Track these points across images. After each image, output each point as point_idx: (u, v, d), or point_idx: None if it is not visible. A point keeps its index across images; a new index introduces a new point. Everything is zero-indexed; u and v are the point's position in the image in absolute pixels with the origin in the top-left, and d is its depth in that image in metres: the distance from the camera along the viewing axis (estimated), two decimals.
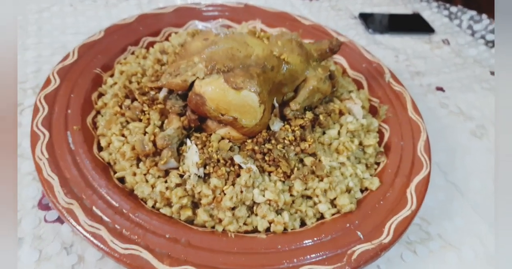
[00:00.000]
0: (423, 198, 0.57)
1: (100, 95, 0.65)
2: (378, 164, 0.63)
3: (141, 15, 0.78)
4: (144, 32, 0.76)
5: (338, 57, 0.82)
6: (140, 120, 0.56)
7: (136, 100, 0.59)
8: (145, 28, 0.77)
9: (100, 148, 0.57)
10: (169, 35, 0.79)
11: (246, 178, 0.50)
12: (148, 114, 0.56)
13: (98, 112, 0.62)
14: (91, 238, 0.45)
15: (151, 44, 0.76)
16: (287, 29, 0.85)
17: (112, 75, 0.68)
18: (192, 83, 0.53)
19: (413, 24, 1.13)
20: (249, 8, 0.87)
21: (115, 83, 0.65)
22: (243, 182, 0.50)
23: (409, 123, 0.68)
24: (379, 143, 0.66)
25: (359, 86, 0.76)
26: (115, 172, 0.55)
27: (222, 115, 0.52)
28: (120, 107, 0.59)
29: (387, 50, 1.02)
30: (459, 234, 0.63)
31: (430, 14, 1.20)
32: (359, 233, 0.51)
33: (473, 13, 1.22)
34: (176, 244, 0.46)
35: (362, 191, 0.58)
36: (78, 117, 0.58)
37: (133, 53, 0.73)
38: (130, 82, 0.65)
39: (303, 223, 0.54)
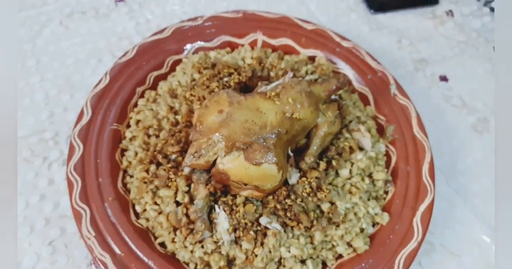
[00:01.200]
0: (427, 227, 0.64)
1: (122, 150, 0.68)
2: (386, 192, 0.69)
3: (140, 46, 0.77)
4: (148, 68, 0.76)
5: (344, 67, 0.81)
6: (168, 187, 0.61)
7: (160, 163, 0.63)
8: (148, 62, 0.76)
9: (135, 213, 0.63)
10: (173, 64, 0.78)
11: (274, 242, 0.57)
12: (175, 181, 0.61)
13: (125, 171, 0.66)
14: None
15: (157, 78, 0.76)
16: (289, 39, 0.83)
17: (128, 126, 0.71)
18: (214, 160, 0.56)
19: None
20: (247, 17, 0.84)
21: (134, 137, 0.68)
22: (271, 246, 0.57)
23: (414, 144, 0.72)
24: (386, 166, 0.71)
25: (365, 102, 0.78)
26: (154, 236, 0.61)
27: (245, 184, 0.57)
28: (147, 172, 0.63)
29: (390, 35, 1.00)
30: (460, 242, 0.71)
31: None
32: None
33: None
34: None
35: (373, 224, 0.66)
36: (110, 185, 0.63)
37: (142, 95, 0.74)
38: (149, 136, 0.68)
39: (324, 262, 0.62)
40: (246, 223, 0.58)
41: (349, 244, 0.63)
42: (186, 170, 0.60)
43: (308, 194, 0.61)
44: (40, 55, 0.85)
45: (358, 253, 0.62)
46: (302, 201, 0.61)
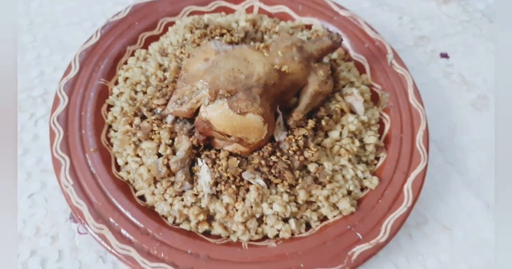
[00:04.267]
0: (418, 193, 0.62)
1: (109, 106, 0.67)
2: (378, 158, 0.67)
3: (134, 7, 0.76)
4: (140, 28, 0.75)
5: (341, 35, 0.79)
6: (151, 139, 0.60)
7: (145, 117, 0.61)
8: (141, 22, 0.75)
9: (117, 166, 0.61)
10: (166, 26, 0.77)
11: (255, 196, 0.55)
12: (158, 133, 0.59)
13: (110, 126, 0.65)
14: (124, 260, 0.52)
15: (149, 39, 0.75)
16: (286, 6, 0.82)
17: (116, 83, 0.69)
18: (198, 109, 0.55)
19: None
20: None
21: (121, 93, 0.67)
22: (252, 200, 0.55)
23: (409, 111, 0.70)
24: (379, 133, 0.69)
25: (361, 70, 0.76)
26: (134, 189, 0.60)
27: (229, 136, 0.55)
28: (131, 125, 0.61)
29: (391, 12, 0.98)
30: (453, 215, 0.69)
31: None
32: (358, 234, 0.57)
33: None
34: (197, 258, 0.53)
35: (362, 189, 0.63)
36: (92, 137, 0.61)
37: (133, 54, 0.73)
38: (136, 91, 0.66)
39: (308, 224, 0.60)
40: (228, 177, 0.56)
41: (335, 206, 0.60)
42: (169, 120, 0.58)
43: (295, 152, 0.59)
44: (34, 16, 0.84)
45: (344, 215, 0.59)
46: (288, 158, 0.59)
